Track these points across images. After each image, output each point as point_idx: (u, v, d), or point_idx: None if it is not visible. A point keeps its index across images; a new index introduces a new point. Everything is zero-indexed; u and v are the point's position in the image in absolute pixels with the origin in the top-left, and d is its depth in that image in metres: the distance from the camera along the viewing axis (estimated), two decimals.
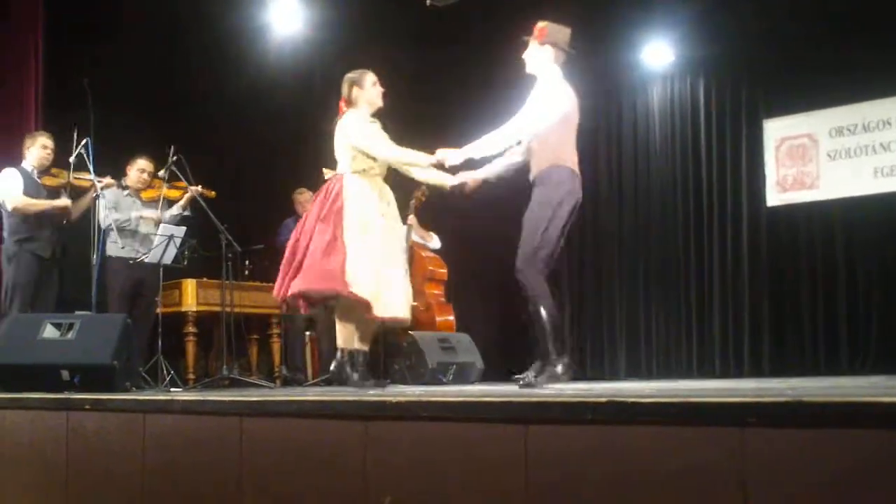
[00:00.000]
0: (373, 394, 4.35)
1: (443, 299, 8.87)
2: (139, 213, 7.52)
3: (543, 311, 4.86)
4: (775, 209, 9.38)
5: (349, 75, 5.65)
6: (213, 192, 7.85)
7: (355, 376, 5.10)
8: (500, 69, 9.30)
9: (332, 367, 5.27)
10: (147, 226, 7.50)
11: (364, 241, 5.27)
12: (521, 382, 4.97)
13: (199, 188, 7.70)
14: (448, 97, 9.83)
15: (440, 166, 5.37)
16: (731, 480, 2.36)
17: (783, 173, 9.38)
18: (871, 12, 8.30)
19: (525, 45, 5.25)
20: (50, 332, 5.83)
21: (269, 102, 10.11)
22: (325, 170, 5.84)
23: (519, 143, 5.22)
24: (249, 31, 9.63)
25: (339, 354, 5.23)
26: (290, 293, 5.33)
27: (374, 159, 5.47)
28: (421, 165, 5.47)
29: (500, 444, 2.87)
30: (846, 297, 8.83)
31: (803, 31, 8.76)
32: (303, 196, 8.86)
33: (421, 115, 10.08)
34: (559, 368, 4.84)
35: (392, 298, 5.24)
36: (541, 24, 5.21)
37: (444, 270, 8.91)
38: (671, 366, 9.80)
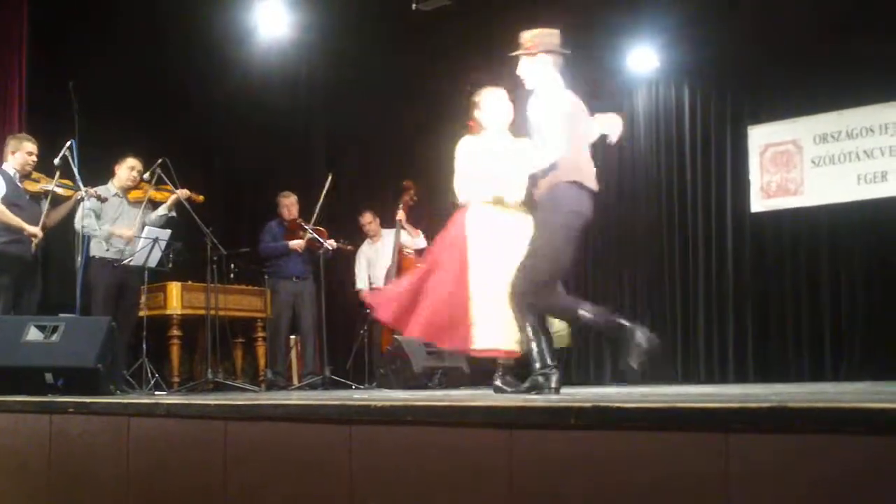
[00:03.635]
0: (357, 397, 4.35)
1: None
2: (113, 228, 7.42)
3: (529, 331, 4.74)
4: (759, 215, 9.40)
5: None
6: (202, 197, 7.83)
7: (521, 385, 5.00)
8: (487, 74, 9.34)
9: (494, 383, 5.14)
10: (119, 241, 7.41)
11: (489, 278, 5.01)
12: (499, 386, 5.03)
13: (187, 192, 7.68)
14: (434, 100, 9.84)
15: None
16: (716, 486, 2.37)
17: (767, 179, 9.40)
18: (856, 20, 8.34)
19: (517, 62, 5.01)
20: (34, 334, 5.80)
21: (256, 105, 10.11)
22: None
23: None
24: (236, 34, 9.61)
25: (499, 370, 5.16)
26: (407, 333, 5.21)
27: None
28: None
29: (484, 449, 2.87)
30: (830, 302, 8.86)
31: (788, 38, 8.78)
32: (288, 199, 8.87)
33: (406, 118, 10.13)
34: (543, 381, 4.69)
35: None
36: (527, 35, 4.96)
37: None
38: (656, 371, 9.81)
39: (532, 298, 4.74)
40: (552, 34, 4.98)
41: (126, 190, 7.58)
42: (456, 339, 5.07)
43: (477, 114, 5.38)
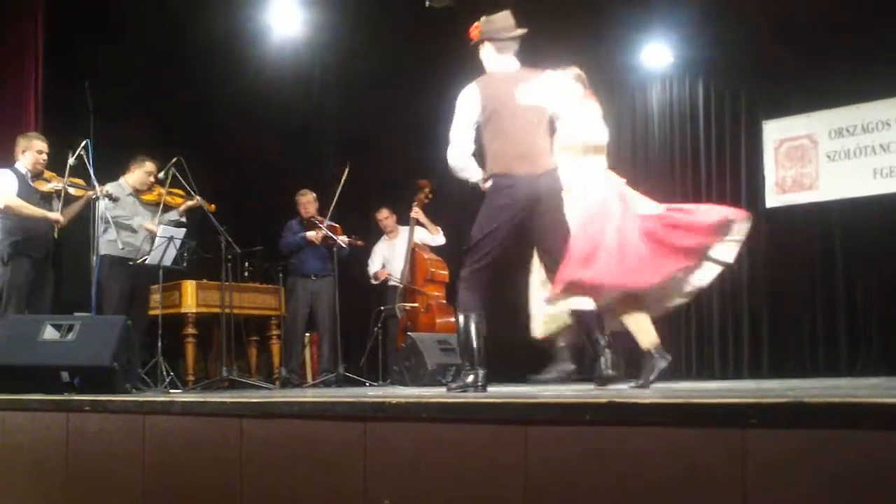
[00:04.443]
0: (371, 394, 4.36)
1: (443, 301, 8.88)
2: (142, 221, 7.51)
3: (466, 320, 4.73)
4: (774, 210, 9.37)
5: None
6: (214, 206, 7.83)
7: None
8: None
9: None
10: (133, 239, 7.46)
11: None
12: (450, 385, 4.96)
13: (201, 200, 7.70)
14: (447, 98, 9.82)
15: None
16: (732, 481, 2.36)
17: (782, 174, 9.37)
18: (870, 14, 8.29)
19: (476, 51, 5.08)
20: (50, 333, 5.83)
21: (269, 104, 10.13)
22: None
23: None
24: (249, 33, 9.62)
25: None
26: None
27: None
28: None
29: (499, 446, 2.87)
30: (845, 297, 8.82)
31: (803, 33, 8.74)
32: (305, 198, 8.88)
33: (420, 115, 10.10)
34: (470, 378, 4.65)
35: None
36: (474, 24, 5.02)
37: (446, 272, 8.93)
38: (670, 367, 9.77)
39: (467, 283, 4.78)
40: (495, 19, 5.01)
41: (140, 191, 7.61)
42: None
43: None
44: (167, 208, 7.71)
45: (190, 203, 7.71)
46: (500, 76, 4.96)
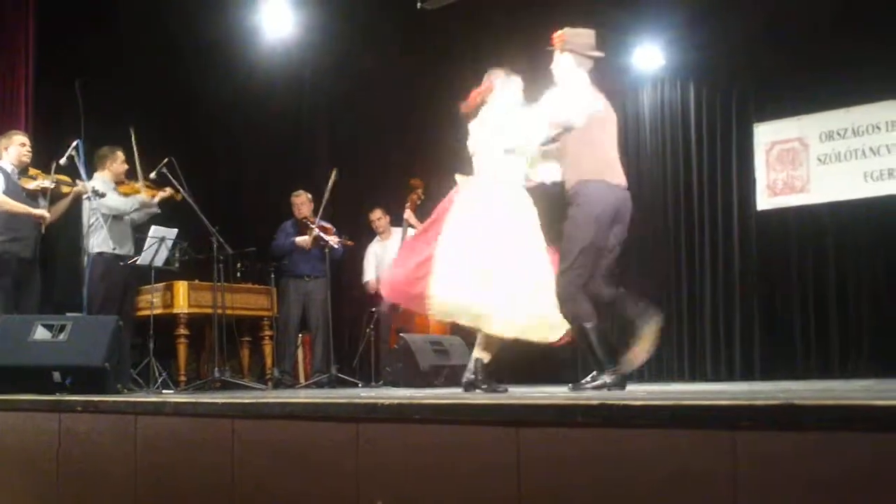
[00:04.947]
0: (364, 396, 4.36)
1: None
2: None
3: (584, 329, 4.82)
4: (765, 213, 9.38)
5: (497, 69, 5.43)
6: (180, 196, 7.74)
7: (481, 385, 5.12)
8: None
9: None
10: (125, 238, 7.46)
11: (461, 250, 5.07)
12: (571, 385, 4.96)
13: (170, 191, 7.65)
14: (438, 100, 9.83)
15: None
16: (724, 483, 2.36)
17: (773, 177, 9.38)
18: (862, 16, 8.32)
19: (551, 57, 5.17)
20: (41, 333, 5.82)
21: (261, 104, 10.12)
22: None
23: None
24: (240, 33, 9.61)
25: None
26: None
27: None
28: None
29: (491, 447, 2.87)
30: (836, 300, 8.84)
31: (794, 35, 8.76)
32: (298, 198, 8.89)
33: (411, 116, 10.11)
34: (608, 379, 4.74)
35: (505, 314, 5.08)
36: (559, 32, 5.11)
37: None
38: (662, 369, 9.79)
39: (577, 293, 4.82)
40: (582, 35, 5.13)
41: (118, 184, 7.60)
42: (412, 302, 5.23)
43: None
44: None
45: (163, 194, 7.67)
46: (590, 89, 5.08)
